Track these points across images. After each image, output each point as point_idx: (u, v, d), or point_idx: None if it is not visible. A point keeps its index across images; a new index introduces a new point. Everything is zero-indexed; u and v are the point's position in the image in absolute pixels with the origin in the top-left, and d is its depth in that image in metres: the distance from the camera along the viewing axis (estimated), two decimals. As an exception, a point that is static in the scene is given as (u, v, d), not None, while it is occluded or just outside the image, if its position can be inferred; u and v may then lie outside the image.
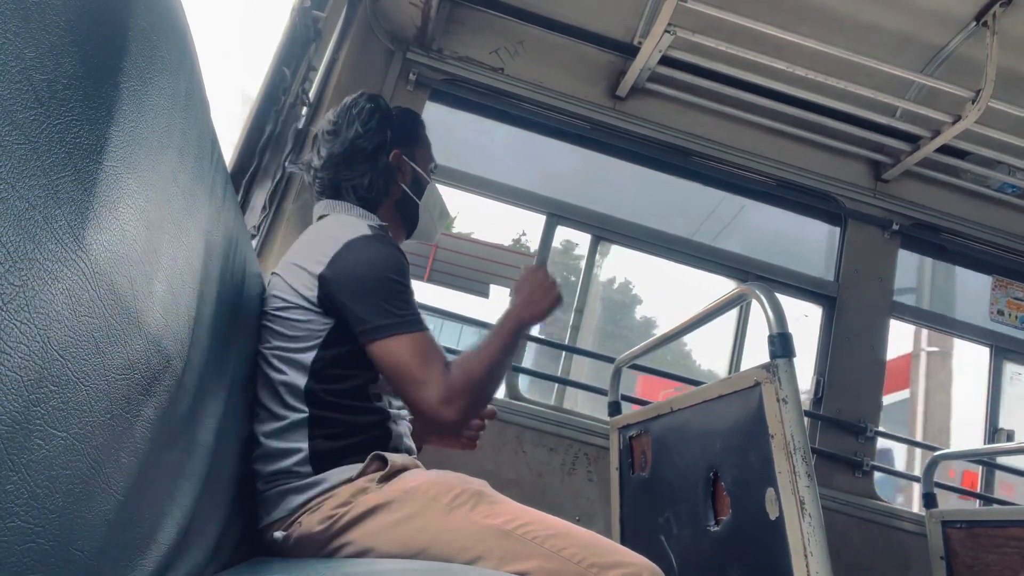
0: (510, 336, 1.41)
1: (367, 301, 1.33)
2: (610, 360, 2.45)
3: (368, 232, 1.44)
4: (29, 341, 0.51)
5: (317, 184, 1.62)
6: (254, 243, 2.04)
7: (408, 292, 1.38)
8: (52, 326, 0.53)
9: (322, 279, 1.36)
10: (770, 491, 1.30)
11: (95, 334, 0.61)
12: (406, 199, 1.67)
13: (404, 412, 1.49)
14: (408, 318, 1.33)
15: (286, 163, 2.08)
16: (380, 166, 1.61)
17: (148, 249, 0.71)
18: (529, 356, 2.87)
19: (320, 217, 1.59)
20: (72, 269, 0.56)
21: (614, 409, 2.31)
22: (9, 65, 0.47)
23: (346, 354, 1.35)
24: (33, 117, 0.49)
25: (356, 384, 1.37)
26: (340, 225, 1.48)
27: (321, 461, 1.32)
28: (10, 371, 0.49)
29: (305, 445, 1.33)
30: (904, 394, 8.10)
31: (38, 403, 0.53)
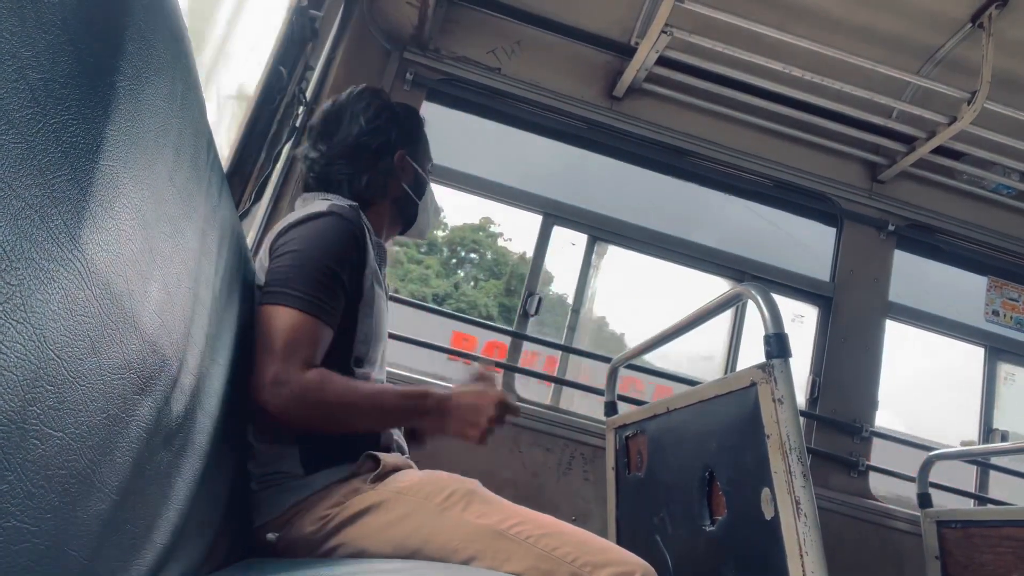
0: (408, 413, 1.33)
1: (283, 269, 1.31)
2: (606, 360, 2.45)
3: (323, 209, 1.39)
4: (25, 340, 0.50)
5: (311, 176, 1.58)
6: (249, 242, 2.03)
7: (327, 279, 1.30)
8: (48, 325, 0.53)
9: (271, 253, 1.36)
10: (766, 491, 1.30)
11: (91, 333, 0.61)
12: (406, 198, 1.66)
13: None
14: (305, 299, 1.26)
15: (281, 149, 2.08)
16: (382, 166, 1.58)
17: (144, 248, 0.70)
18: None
19: None
20: (68, 268, 0.56)
21: (610, 409, 2.31)
22: (5, 64, 0.47)
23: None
24: (29, 116, 0.49)
25: None
26: (304, 210, 1.45)
27: (312, 461, 1.32)
28: (6, 370, 0.49)
29: (295, 446, 1.32)
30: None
31: (34, 402, 0.53)
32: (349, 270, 1.36)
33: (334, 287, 1.32)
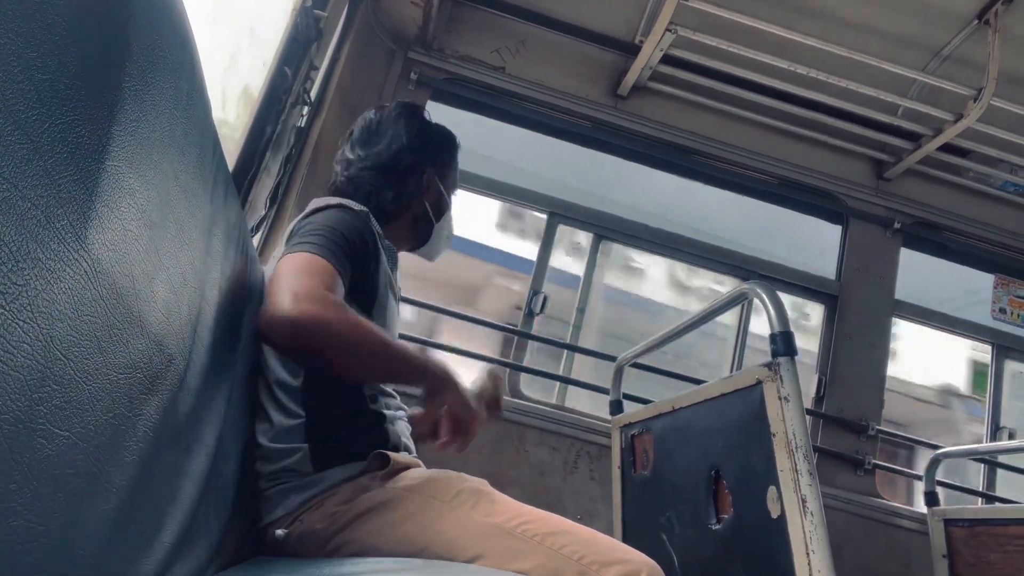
0: (411, 366, 1.27)
1: (298, 237, 1.32)
2: (612, 359, 2.45)
3: (334, 203, 1.44)
4: (31, 340, 0.51)
5: (343, 177, 1.62)
6: (256, 242, 2.04)
7: (341, 245, 1.30)
8: (54, 325, 0.53)
9: (287, 243, 1.37)
10: (772, 489, 1.30)
11: (97, 333, 0.61)
12: (424, 217, 1.68)
13: (401, 412, 1.49)
14: (322, 247, 1.25)
15: (285, 149, 2.09)
16: (410, 184, 1.61)
17: (150, 248, 0.71)
18: (531, 355, 2.86)
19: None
20: (74, 268, 0.56)
21: (616, 408, 2.30)
22: (11, 64, 0.47)
23: None
24: (35, 116, 0.50)
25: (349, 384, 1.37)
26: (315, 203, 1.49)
27: (321, 459, 1.32)
28: (12, 370, 0.49)
29: (304, 444, 1.33)
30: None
31: (40, 402, 0.53)
32: (361, 254, 1.37)
33: (347, 253, 1.31)
